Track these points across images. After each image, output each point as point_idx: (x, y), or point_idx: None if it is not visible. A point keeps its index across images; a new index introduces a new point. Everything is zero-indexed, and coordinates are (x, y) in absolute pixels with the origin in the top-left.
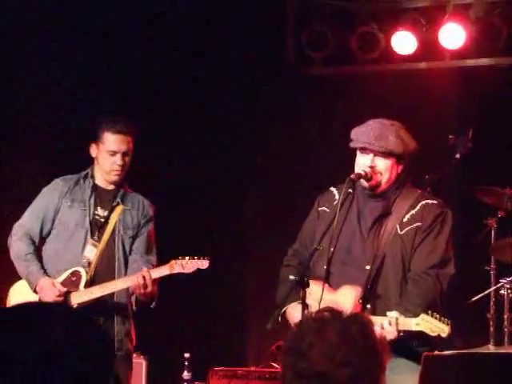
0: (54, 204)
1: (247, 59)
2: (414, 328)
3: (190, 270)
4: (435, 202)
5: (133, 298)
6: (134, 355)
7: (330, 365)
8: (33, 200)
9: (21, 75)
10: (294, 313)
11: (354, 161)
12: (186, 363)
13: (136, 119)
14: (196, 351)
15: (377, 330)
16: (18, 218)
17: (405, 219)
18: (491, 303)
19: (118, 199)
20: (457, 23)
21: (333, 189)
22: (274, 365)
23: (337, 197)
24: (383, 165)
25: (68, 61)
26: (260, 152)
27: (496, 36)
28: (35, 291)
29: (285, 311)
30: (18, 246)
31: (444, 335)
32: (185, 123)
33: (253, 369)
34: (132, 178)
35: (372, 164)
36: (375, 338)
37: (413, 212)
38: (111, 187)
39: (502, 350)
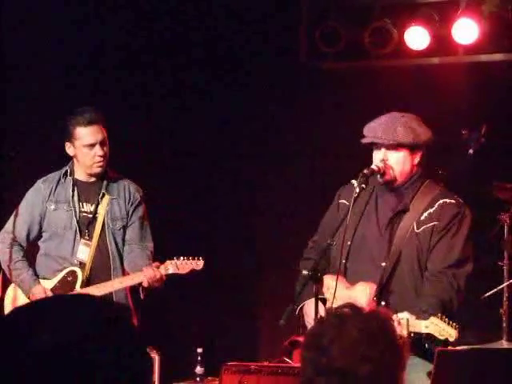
0: (39, 209)
1: (260, 54)
2: (424, 330)
3: (185, 271)
4: (453, 201)
5: (143, 285)
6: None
7: (351, 360)
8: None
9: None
10: (309, 310)
11: (369, 156)
12: (199, 358)
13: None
14: (208, 346)
15: None
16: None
17: (422, 217)
18: (504, 298)
19: (103, 190)
20: (470, 18)
21: (354, 181)
22: (287, 360)
23: (357, 190)
24: (395, 158)
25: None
26: (271, 146)
27: (509, 31)
28: (29, 298)
29: (301, 307)
30: (7, 253)
31: (451, 340)
32: (196, 123)
33: (265, 364)
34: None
35: (384, 158)
36: (395, 334)
37: (430, 210)
38: (93, 179)
39: None
